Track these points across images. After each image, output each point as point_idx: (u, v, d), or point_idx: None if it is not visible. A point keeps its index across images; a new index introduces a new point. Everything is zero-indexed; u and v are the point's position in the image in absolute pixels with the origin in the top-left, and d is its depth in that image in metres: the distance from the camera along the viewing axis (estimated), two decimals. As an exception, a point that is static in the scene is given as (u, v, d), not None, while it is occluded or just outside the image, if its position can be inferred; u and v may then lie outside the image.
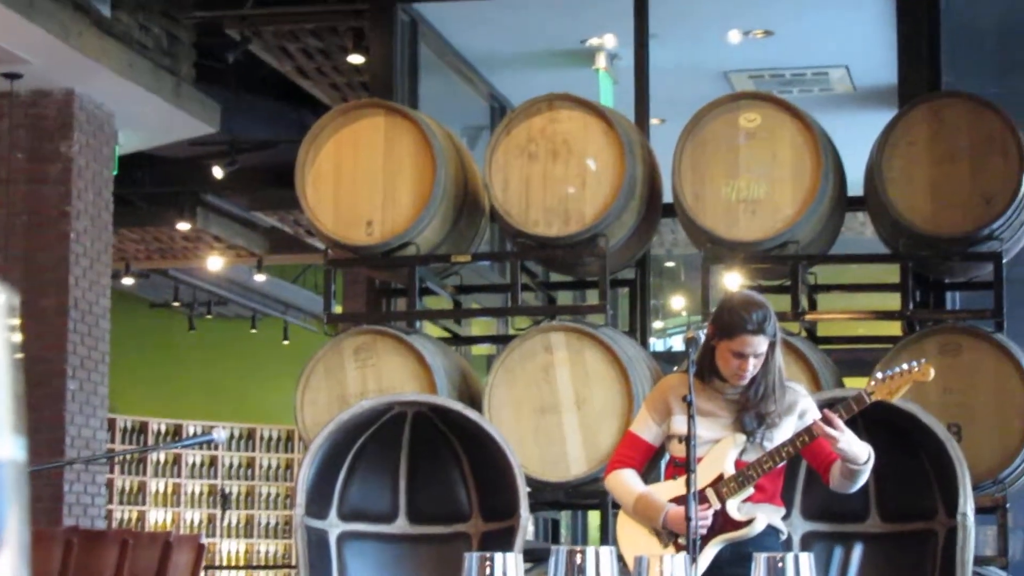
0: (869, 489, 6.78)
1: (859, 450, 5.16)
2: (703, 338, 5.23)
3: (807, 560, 3.64)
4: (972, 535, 6.46)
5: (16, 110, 11.22)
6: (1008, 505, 7.35)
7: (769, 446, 5.23)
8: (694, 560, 4.89)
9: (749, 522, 5.24)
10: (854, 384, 7.67)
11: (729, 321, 5.21)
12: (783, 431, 5.24)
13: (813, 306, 8.07)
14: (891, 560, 6.81)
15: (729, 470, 5.24)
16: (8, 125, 11.21)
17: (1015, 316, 7.87)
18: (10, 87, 11.05)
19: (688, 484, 4.90)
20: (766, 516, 5.28)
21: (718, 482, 5.23)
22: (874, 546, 6.83)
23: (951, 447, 6.56)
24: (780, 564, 2.93)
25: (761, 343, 5.18)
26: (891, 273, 7.80)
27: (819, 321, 7.98)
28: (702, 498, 5.20)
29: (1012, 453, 7.29)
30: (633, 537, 5.39)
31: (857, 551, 6.83)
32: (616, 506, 5.66)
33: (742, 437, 5.24)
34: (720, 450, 5.25)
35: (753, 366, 5.19)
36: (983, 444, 7.29)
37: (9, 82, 11.01)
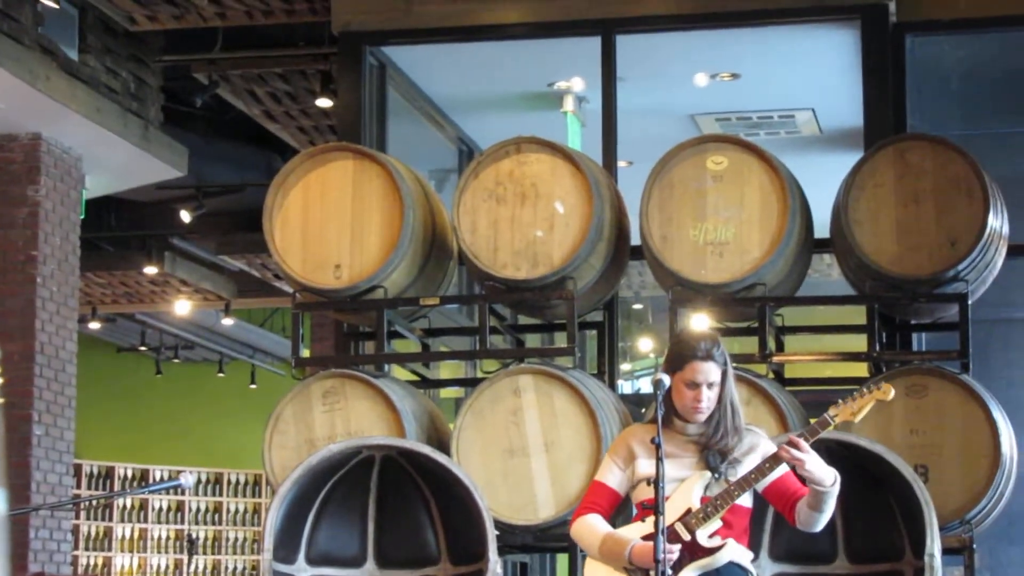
0: (836, 530, 6.80)
1: (825, 473, 5.20)
2: (668, 381, 5.26)
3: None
4: (940, 576, 6.47)
5: (-18, 154, 11.19)
6: (975, 546, 7.36)
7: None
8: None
9: (720, 548, 5.26)
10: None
11: (679, 352, 5.32)
12: (746, 470, 5.28)
13: (780, 348, 8.08)
14: (860, 601, 6.82)
15: (696, 505, 5.26)
16: (-26, 169, 11.18)
17: (981, 357, 7.90)
18: (-24, 131, 11.04)
19: (656, 525, 4.91)
20: (736, 546, 5.30)
21: (686, 515, 5.26)
22: (843, 587, 6.84)
23: (918, 488, 6.58)
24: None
25: (712, 371, 5.26)
26: (858, 314, 7.82)
27: (786, 363, 7.99)
28: (672, 533, 5.23)
29: (979, 494, 7.31)
30: None
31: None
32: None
33: (707, 474, 5.29)
34: (687, 487, 5.29)
35: (707, 398, 5.26)
36: (950, 485, 7.31)
37: (-25, 126, 10.99)
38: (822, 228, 7.96)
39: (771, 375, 7.74)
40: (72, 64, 10.96)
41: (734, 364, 7.36)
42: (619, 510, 5.62)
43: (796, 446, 5.16)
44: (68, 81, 10.83)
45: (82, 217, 11.85)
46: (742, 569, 5.35)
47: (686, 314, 7.80)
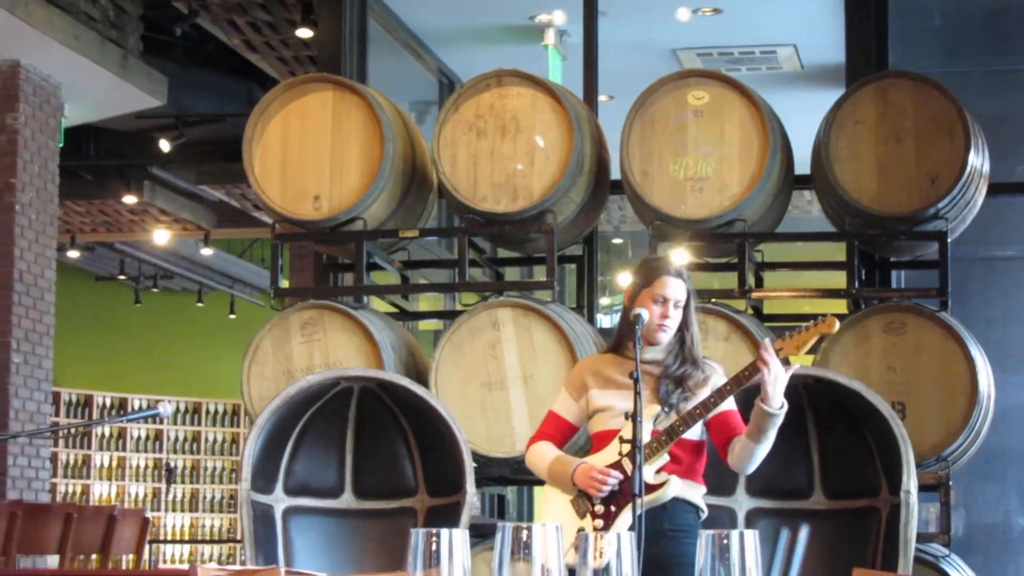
0: (813, 466, 6.82)
1: (780, 393, 5.13)
2: (647, 315, 5.25)
3: (752, 537, 3.65)
4: (915, 512, 6.50)
5: (-39, 81, 11.13)
6: (951, 483, 7.40)
7: None
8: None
9: (663, 484, 5.24)
10: (799, 362, 7.71)
11: (650, 267, 5.36)
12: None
13: (759, 284, 8.10)
14: (834, 537, 6.84)
15: (646, 439, 5.25)
16: (-47, 96, 11.12)
17: (960, 295, 7.92)
18: (-45, 58, 10.97)
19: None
20: (681, 484, 5.29)
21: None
22: (818, 523, 6.87)
23: (895, 425, 6.60)
24: (725, 541, 2.93)
25: (680, 288, 5.29)
26: (837, 251, 7.84)
27: (765, 299, 8.00)
28: (617, 466, 5.26)
29: (955, 431, 7.34)
30: (555, 513, 5.43)
31: (803, 533, 6.85)
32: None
33: (656, 407, 5.27)
34: None
35: (674, 316, 5.27)
36: (927, 422, 7.34)
37: (-46, 53, 10.92)
38: (803, 165, 7.96)
39: (750, 311, 7.75)
40: (51, -9, 10.88)
41: (713, 300, 7.39)
42: (574, 442, 5.64)
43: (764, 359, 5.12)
44: (47, 8, 10.75)
45: (61, 145, 11.80)
46: (689, 504, 5.35)
47: (666, 249, 7.81)
